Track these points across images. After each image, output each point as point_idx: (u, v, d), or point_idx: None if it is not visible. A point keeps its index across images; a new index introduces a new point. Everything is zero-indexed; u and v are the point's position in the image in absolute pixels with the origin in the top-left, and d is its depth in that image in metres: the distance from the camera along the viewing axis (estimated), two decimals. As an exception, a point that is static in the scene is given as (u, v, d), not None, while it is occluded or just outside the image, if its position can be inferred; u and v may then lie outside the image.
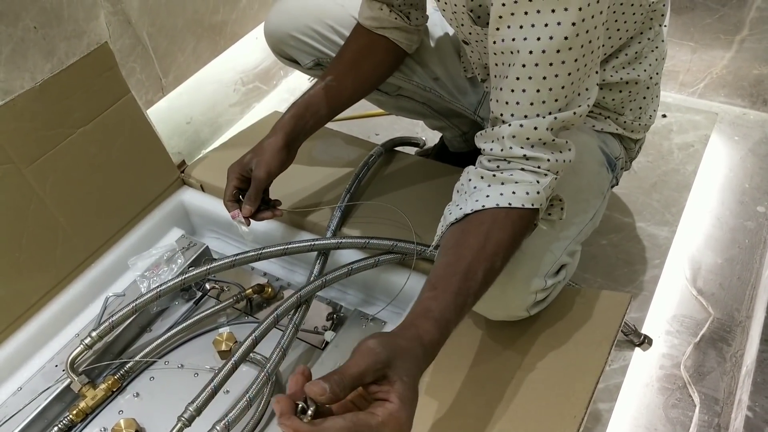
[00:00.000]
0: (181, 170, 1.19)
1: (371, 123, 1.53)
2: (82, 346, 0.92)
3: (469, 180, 0.69)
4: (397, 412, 0.52)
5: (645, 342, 1.01)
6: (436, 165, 1.15)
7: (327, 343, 0.96)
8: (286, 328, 0.89)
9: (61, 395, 0.92)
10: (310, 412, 0.52)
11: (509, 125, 0.66)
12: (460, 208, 0.67)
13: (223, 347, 0.95)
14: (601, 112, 0.91)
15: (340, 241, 0.95)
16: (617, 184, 0.98)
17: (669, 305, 1.11)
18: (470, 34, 0.81)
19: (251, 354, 0.92)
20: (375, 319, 0.96)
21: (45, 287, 0.99)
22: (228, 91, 1.64)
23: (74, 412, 0.90)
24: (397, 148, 1.20)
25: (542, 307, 0.78)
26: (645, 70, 0.87)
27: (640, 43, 0.84)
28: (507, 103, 0.66)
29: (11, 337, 0.95)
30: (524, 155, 0.66)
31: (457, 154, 1.24)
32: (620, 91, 0.88)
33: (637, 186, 1.28)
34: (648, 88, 0.90)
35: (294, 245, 0.95)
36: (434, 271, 0.64)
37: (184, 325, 1.00)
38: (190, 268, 1.01)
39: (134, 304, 0.94)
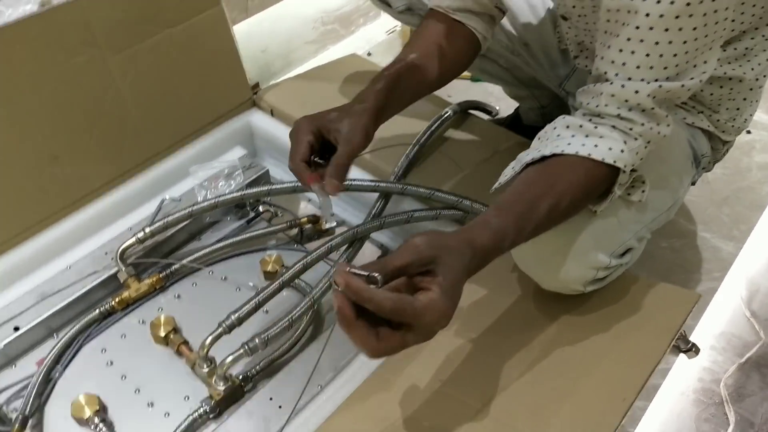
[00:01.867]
0: (254, 92, 1.18)
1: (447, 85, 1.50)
2: (134, 239, 0.93)
3: (554, 128, 0.68)
4: (438, 301, 0.52)
5: (692, 350, 0.98)
6: (508, 134, 1.12)
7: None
8: (337, 261, 0.89)
9: (106, 282, 0.94)
10: None
11: (611, 83, 0.64)
12: (538, 151, 0.66)
13: (270, 268, 0.96)
14: (695, 105, 0.87)
15: (404, 186, 0.94)
16: (693, 184, 0.95)
17: (719, 321, 1.07)
18: (573, 7, 0.78)
19: (296, 280, 0.92)
20: (423, 270, 0.95)
21: (107, 176, 1.00)
22: (307, 28, 1.63)
23: (117, 299, 0.91)
24: (470, 112, 1.18)
25: (599, 286, 0.76)
26: (752, 69, 0.83)
27: (753, 38, 0.80)
28: (613, 62, 0.64)
29: (69, 218, 0.97)
30: (618, 115, 0.65)
31: (531, 128, 1.21)
32: (721, 87, 0.84)
33: (708, 196, 1.24)
34: (751, 89, 0.86)
35: (358, 182, 0.95)
36: (502, 197, 0.64)
37: (234, 240, 1.00)
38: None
39: (191, 209, 0.94)
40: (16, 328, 0.87)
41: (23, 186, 0.91)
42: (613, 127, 0.65)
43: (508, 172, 0.70)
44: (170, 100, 1.04)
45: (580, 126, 0.66)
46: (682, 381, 1.00)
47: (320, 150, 0.73)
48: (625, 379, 0.68)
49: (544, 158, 0.66)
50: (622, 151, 0.64)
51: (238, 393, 0.82)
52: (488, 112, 1.33)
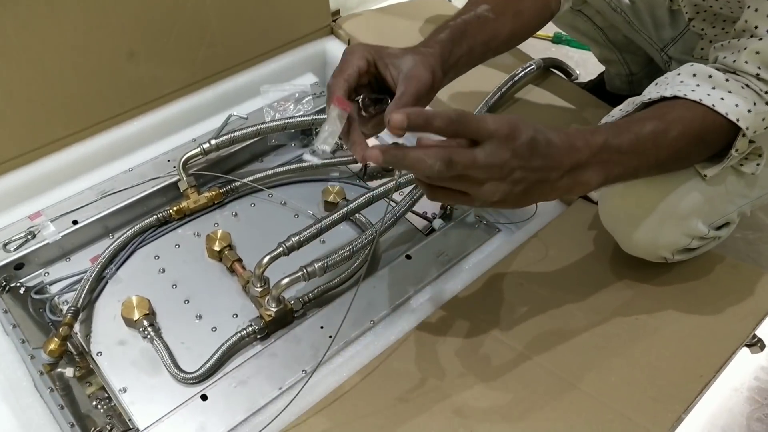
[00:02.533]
0: (334, 19, 1.14)
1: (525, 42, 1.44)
2: (199, 149, 0.91)
3: (678, 74, 0.62)
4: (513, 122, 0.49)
5: (757, 344, 0.93)
6: (592, 97, 1.06)
7: (433, 230, 0.93)
8: (402, 200, 0.86)
9: (166, 189, 0.92)
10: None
11: (759, 39, 0.58)
12: (658, 92, 0.61)
13: (331, 198, 0.93)
14: None
15: (483, 132, 0.89)
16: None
17: (786, 322, 1.02)
18: None
19: (358, 214, 0.90)
20: (489, 223, 0.91)
21: (179, 82, 0.98)
22: (394, -38, 1.57)
23: (175, 208, 0.90)
24: (551, 71, 1.13)
25: (686, 257, 0.72)
26: None
27: None
28: None
29: (137, 119, 0.95)
30: (757, 75, 0.59)
31: (614, 96, 1.15)
32: None
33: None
34: None
35: (433, 122, 0.90)
36: (609, 125, 0.59)
37: (297, 165, 0.97)
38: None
39: (259, 127, 0.92)
40: (75, 222, 0.86)
41: (97, 79, 0.89)
42: (746, 86, 0.60)
43: (615, 113, 0.66)
44: (251, 15, 1.01)
45: (710, 76, 0.61)
46: (737, 376, 0.96)
47: (371, 88, 0.62)
48: (703, 356, 0.65)
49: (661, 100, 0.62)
50: (749, 111, 0.59)
51: (289, 317, 0.81)
52: (568, 75, 1.27)
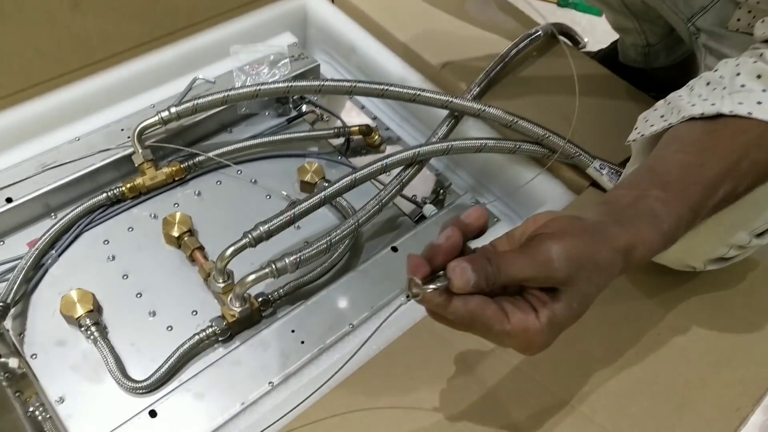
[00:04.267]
0: (316, -29, 1.01)
1: (527, 5, 1.32)
2: (157, 117, 0.79)
3: (737, 74, 0.51)
4: (534, 334, 0.41)
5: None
6: (603, 70, 0.95)
7: (423, 218, 0.82)
8: (389, 183, 0.75)
9: (118, 163, 0.80)
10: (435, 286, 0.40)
11: None
12: (713, 104, 0.50)
13: (308, 178, 0.82)
14: None
15: (483, 108, 0.78)
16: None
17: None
18: None
19: (340, 198, 0.79)
20: (488, 211, 0.81)
21: (134, 40, 0.85)
22: None
23: (128, 185, 0.78)
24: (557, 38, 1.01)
25: (720, 266, 0.62)
26: None
27: None
28: None
29: (84, 81, 0.83)
30: None
31: (626, 68, 1.04)
32: None
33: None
34: None
35: (427, 94, 0.79)
36: (664, 165, 0.48)
37: (271, 138, 0.86)
38: (297, 80, 0.86)
39: (227, 94, 0.79)
40: (9, 200, 0.74)
41: (34, 33, 0.76)
42: None
43: (656, 121, 0.54)
44: (218, -39, 0.88)
45: None
46: None
47: None
48: (739, 383, 0.55)
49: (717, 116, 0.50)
50: None
51: (255, 317, 0.71)
52: (576, 42, 1.15)
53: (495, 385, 0.57)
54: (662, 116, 0.54)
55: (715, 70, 0.53)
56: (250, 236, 0.67)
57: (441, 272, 0.41)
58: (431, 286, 0.40)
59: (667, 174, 0.47)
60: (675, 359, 0.58)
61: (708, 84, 0.52)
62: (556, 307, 0.41)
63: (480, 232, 0.43)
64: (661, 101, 0.56)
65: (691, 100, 0.52)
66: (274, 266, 0.66)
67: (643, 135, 0.55)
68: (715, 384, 0.56)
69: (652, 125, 0.54)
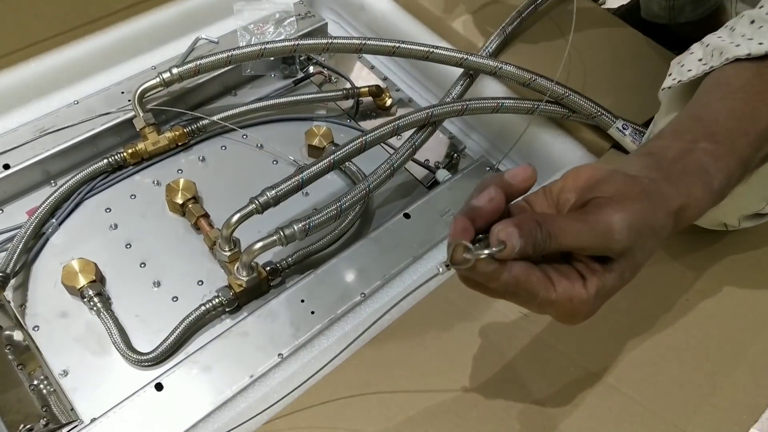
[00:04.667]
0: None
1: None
2: (158, 79, 0.75)
3: None
4: (581, 304, 0.37)
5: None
6: (625, 27, 0.90)
7: (436, 182, 0.79)
8: (400, 147, 0.71)
9: (119, 127, 0.77)
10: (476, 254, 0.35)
11: None
12: (760, 44, 0.45)
13: (316, 142, 0.78)
14: None
15: (500, 65, 0.74)
16: None
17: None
18: None
19: (349, 163, 0.76)
20: (499, 171, 0.77)
21: (133, -2, 0.81)
22: None
23: (130, 151, 0.75)
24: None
25: (755, 223, 0.57)
26: None
27: None
28: None
29: (82, 40, 0.79)
30: None
31: (649, 24, 0.99)
32: None
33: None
34: None
35: (440, 52, 0.75)
36: (710, 113, 0.44)
37: (277, 101, 0.82)
38: (304, 39, 0.82)
39: (231, 53, 0.75)
40: (6, 166, 0.72)
41: (27, -10, 0.72)
42: None
43: (693, 65, 0.50)
44: None
45: None
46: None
47: None
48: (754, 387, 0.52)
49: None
50: None
51: (263, 287, 0.68)
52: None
53: (515, 356, 0.55)
54: (700, 60, 0.50)
55: (760, 6, 0.49)
56: (257, 202, 0.64)
57: (480, 236, 0.37)
58: (485, 251, 0.35)
59: (715, 123, 0.43)
60: (705, 325, 0.54)
61: (753, 22, 0.48)
62: (607, 278, 0.38)
63: (524, 194, 0.39)
64: (697, 44, 0.52)
65: (733, 40, 0.47)
66: (282, 233, 0.63)
67: (680, 81, 0.51)
68: (748, 350, 0.53)
69: (689, 70, 0.50)
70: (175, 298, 0.68)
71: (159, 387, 0.59)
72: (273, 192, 0.64)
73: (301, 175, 0.66)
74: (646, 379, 0.52)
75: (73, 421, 0.60)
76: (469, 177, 0.78)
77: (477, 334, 0.57)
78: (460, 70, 0.77)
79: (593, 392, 0.52)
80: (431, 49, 0.75)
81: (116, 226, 0.73)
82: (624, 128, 0.72)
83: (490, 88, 0.81)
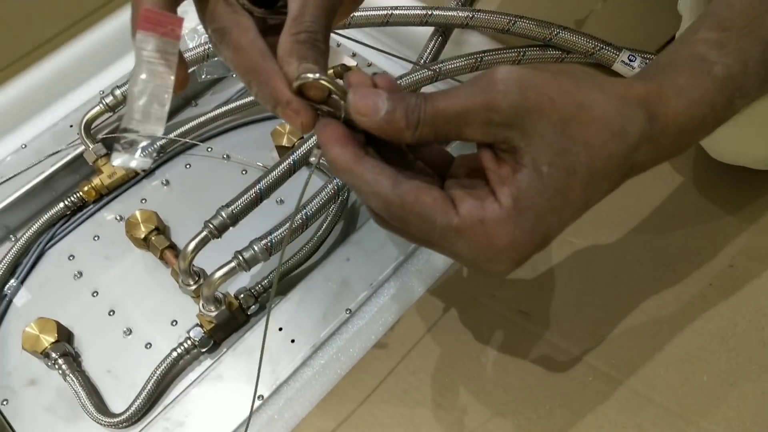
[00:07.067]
0: None
1: None
2: (101, 106, 0.68)
3: None
4: (495, 226, 0.28)
5: None
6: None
7: (424, 163, 0.69)
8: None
9: (73, 164, 0.71)
10: None
11: None
12: None
13: (284, 142, 0.70)
14: None
15: (471, 14, 0.63)
16: None
17: None
18: None
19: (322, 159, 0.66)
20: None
21: (63, 20, 0.74)
22: None
23: (85, 188, 0.69)
24: None
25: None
26: None
27: None
28: None
29: (19, 77, 0.73)
30: None
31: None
32: None
33: None
34: None
35: (401, 12, 0.64)
36: (726, 4, 0.33)
37: (237, 104, 0.74)
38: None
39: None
40: (-43, 229, 0.67)
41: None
42: None
43: None
44: None
45: None
46: None
47: None
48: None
49: None
50: None
51: (240, 318, 0.60)
52: None
53: (519, 366, 0.45)
54: None
55: None
56: (210, 225, 0.55)
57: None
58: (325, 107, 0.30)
59: (728, 8, 0.33)
60: (756, 299, 0.43)
61: None
62: (521, 178, 0.28)
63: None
64: None
65: None
66: (241, 257, 0.55)
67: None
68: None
69: None
70: (148, 345, 0.61)
71: (129, 454, 0.52)
72: (228, 210, 0.56)
73: (258, 186, 0.57)
74: (685, 381, 0.41)
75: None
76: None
77: (473, 341, 0.47)
78: (430, 29, 0.67)
79: (618, 404, 0.41)
80: (390, 11, 0.64)
81: (81, 274, 0.66)
82: (631, 59, 0.60)
83: (471, 43, 0.69)
